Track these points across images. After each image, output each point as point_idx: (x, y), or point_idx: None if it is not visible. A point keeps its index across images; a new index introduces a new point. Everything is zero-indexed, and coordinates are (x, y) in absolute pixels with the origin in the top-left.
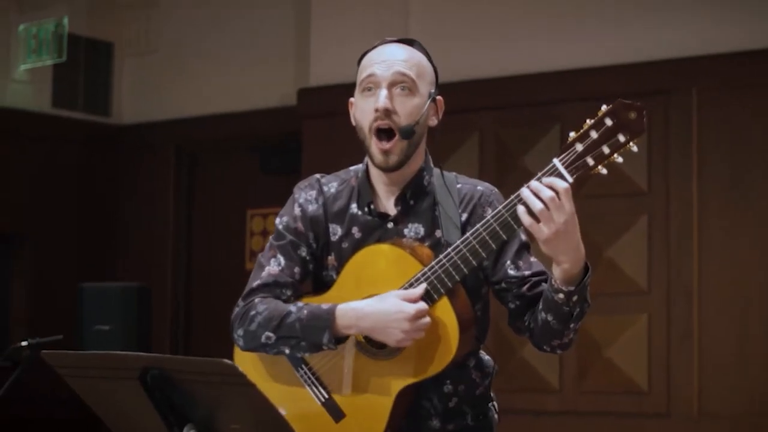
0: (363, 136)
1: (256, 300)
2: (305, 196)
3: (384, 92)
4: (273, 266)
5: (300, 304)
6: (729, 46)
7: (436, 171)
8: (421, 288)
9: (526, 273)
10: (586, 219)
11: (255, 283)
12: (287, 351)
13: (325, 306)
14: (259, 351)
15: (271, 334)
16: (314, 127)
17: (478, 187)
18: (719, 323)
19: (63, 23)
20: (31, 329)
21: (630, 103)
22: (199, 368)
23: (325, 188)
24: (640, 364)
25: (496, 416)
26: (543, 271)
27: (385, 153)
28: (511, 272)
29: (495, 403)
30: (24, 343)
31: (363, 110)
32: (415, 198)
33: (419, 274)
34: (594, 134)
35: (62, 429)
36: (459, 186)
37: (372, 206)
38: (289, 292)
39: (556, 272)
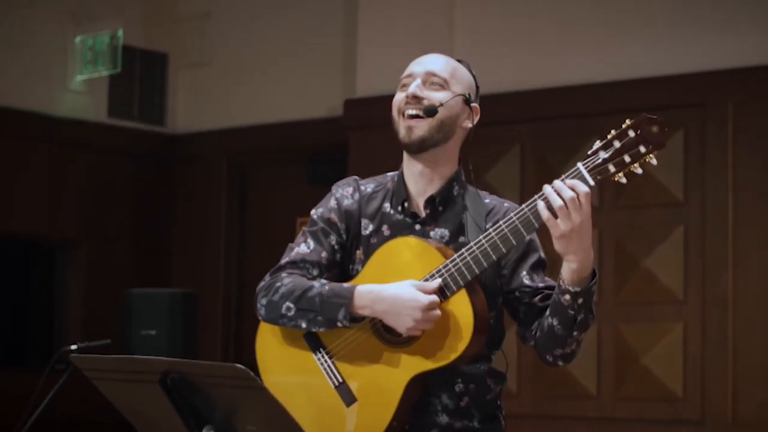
0: (395, 121)
1: (283, 274)
2: (342, 192)
3: (417, 81)
4: (302, 248)
5: (323, 281)
6: (764, 59)
7: (468, 185)
8: (436, 282)
9: (540, 285)
10: (624, 229)
11: (284, 261)
12: (304, 325)
13: (346, 285)
14: (279, 322)
15: (291, 305)
16: (360, 138)
17: (505, 204)
18: (754, 332)
19: (118, 35)
20: (85, 334)
21: (653, 118)
22: (213, 372)
23: (363, 187)
24: (675, 371)
25: (503, 422)
26: (554, 286)
27: (409, 128)
28: (527, 281)
29: (503, 412)
30: (73, 347)
31: (396, 100)
32: (444, 205)
33: (441, 266)
34: (617, 144)
35: (110, 430)
36: (487, 201)
37: (406, 204)
38: (315, 272)
39: (565, 272)
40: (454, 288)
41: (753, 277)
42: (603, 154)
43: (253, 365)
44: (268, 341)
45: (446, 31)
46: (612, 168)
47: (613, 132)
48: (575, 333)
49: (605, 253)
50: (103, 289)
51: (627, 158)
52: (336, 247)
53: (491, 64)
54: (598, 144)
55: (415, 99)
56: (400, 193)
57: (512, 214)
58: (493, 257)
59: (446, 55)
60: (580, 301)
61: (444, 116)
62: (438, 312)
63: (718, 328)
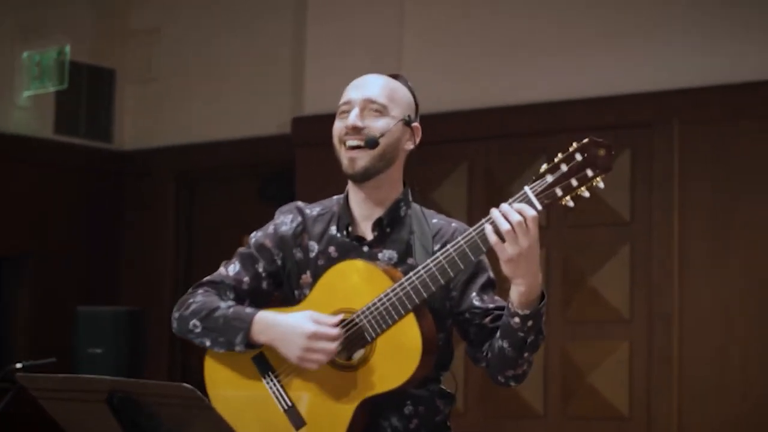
0: (336, 149)
1: (199, 291)
2: (282, 219)
3: (355, 111)
4: (227, 270)
5: (231, 303)
6: (710, 79)
7: (415, 206)
8: (337, 318)
9: (490, 306)
10: (571, 247)
11: (206, 279)
12: (208, 344)
13: (249, 310)
14: (187, 337)
15: (197, 323)
16: (307, 155)
17: (453, 224)
18: (699, 349)
19: (65, 51)
20: (33, 351)
21: (600, 141)
22: (161, 391)
23: (307, 211)
24: (622, 389)
25: None
26: (504, 307)
27: (351, 159)
28: (476, 303)
29: (451, 430)
30: (18, 365)
31: (336, 128)
32: (392, 226)
33: (389, 290)
34: (564, 167)
35: None
36: (435, 221)
37: (350, 229)
38: (231, 295)
39: (513, 295)
40: (402, 312)
41: (699, 295)
42: (550, 178)
43: (200, 384)
44: (217, 362)
45: (395, 49)
46: (559, 192)
47: (560, 155)
48: (525, 354)
49: (553, 271)
50: (51, 306)
51: (574, 182)
52: (263, 274)
53: (440, 82)
54: (545, 167)
55: (355, 129)
56: (344, 218)
57: (460, 238)
58: (441, 281)
59: (383, 75)
60: (529, 323)
61: (385, 144)
62: (329, 345)
63: (663, 346)
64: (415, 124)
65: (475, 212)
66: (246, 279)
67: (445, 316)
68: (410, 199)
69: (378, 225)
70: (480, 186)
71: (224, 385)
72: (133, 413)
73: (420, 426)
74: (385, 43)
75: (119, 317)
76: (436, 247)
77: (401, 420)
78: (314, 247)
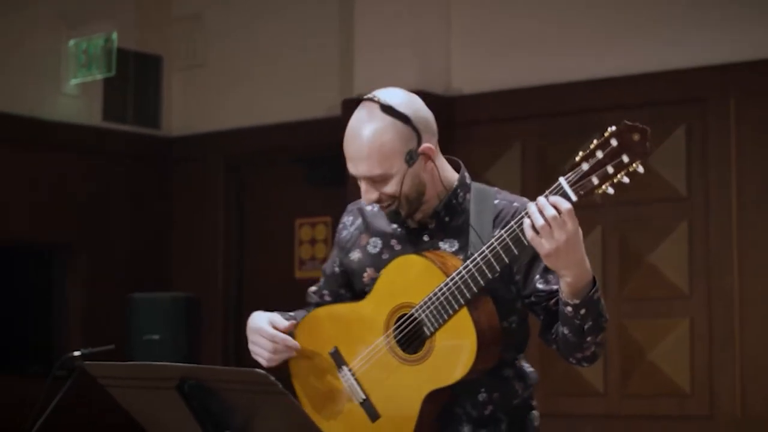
0: None
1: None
2: (344, 221)
3: (363, 187)
4: (318, 284)
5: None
6: (765, 53)
7: (477, 186)
8: (289, 322)
9: (554, 287)
10: (628, 225)
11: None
12: None
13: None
14: None
15: None
16: None
17: (515, 203)
18: (760, 325)
19: (112, 38)
20: (86, 339)
21: (634, 125)
22: (233, 377)
23: (368, 209)
24: (682, 367)
25: (536, 424)
26: None
27: (391, 214)
28: (540, 286)
29: (536, 412)
30: (77, 353)
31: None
32: (450, 214)
33: (442, 284)
34: (600, 154)
35: None
36: (497, 202)
37: (408, 221)
38: (315, 298)
39: (562, 286)
40: (456, 307)
41: (758, 270)
42: (585, 166)
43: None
44: (300, 356)
45: (443, 30)
46: (595, 180)
47: (595, 142)
48: (588, 338)
49: (609, 249)
50: (102, 295)
51: (610, 169)
52: (341, 291)
53: (488, 62)
54: (580, 155)
55: (375, 203)
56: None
57: (503, 231)
58: (489, 275)
59: (363, 130)
60: (582, 312)
61: (407, 193)
62: (269, 344)
63: (724, 322)
64: (425, 145)
65: (529, 191)
66: (325, 292)
67: (513, 300)
68: (468, 182)
69: (435, 216)
70: (533, 165)
71: (305, 377)
72: (205, 400)
73: (496, 411)
74: (433, 21)
75: (177, 303)
76: (496, 232)
77: (475, 407)
78: (377, 243)
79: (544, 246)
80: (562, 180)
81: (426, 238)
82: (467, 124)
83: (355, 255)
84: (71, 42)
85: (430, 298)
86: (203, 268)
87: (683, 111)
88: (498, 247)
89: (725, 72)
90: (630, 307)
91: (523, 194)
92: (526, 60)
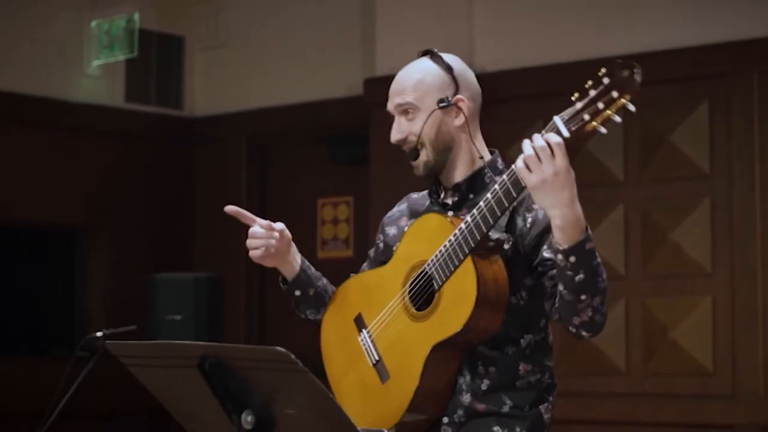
0: None
1: None
2: (391, 211)
3: (395, 123)
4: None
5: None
6: None
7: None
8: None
9: None
10: (650, 202)
11: None
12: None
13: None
14: None
15: None
16: (381, 116)
17: None
18: None
19: (134, 19)
20: (107, 320)
21: (623, 63)
22: (254, 356)
23: (414, 195)
24: (705, 345)
25: (546, 417)
26: None
27: (413, 168)
28: (546, 254)
29: (549, 405)
30: (99, 334)
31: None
32: (474, 191)
33: (450, 236)
34: (592, 93)
35: (138, 418)
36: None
37: (441, 195)
38: None
39: (553, 230)
40: (461, 256)
41: None
42: (579, 105)
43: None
44: (328, 324)
45: (465, 7)
46: (586, 116)
47: (589, 82)
48: (582, 297)
49: (631, 227)
50: (124, 275)
51: (600, 105)
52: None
53: (511, 39)
54: (576, 95)
55: (399, 143)
56: (435, 188)
57: (504, 176)
58: (491, 221)
59: (415, 62)
60: (572, 259)
61: (429, 140)
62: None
63: (747, 301)
64: (458, 96)
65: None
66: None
67: (523, 275)
68: (500, 167)
69: (458, 190)
70: None
71: (332, 349)
72: (225, 378)
73: (493, 388)
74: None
75: (200, 284)
76: (519, 219)
77: (474, 379)
78: (410, 222)
79: (531, 178)
80: (556, 118)
81: (450, 213)
82: (490, 101)
83: (391, 230)
84: (93, 23)
85: (440, 251)
86: (225, 248)
87: (706, 87)
88: (500, 191)
89: (747, 47)
90: (652, 286)
91: None
92: (548, 37)
